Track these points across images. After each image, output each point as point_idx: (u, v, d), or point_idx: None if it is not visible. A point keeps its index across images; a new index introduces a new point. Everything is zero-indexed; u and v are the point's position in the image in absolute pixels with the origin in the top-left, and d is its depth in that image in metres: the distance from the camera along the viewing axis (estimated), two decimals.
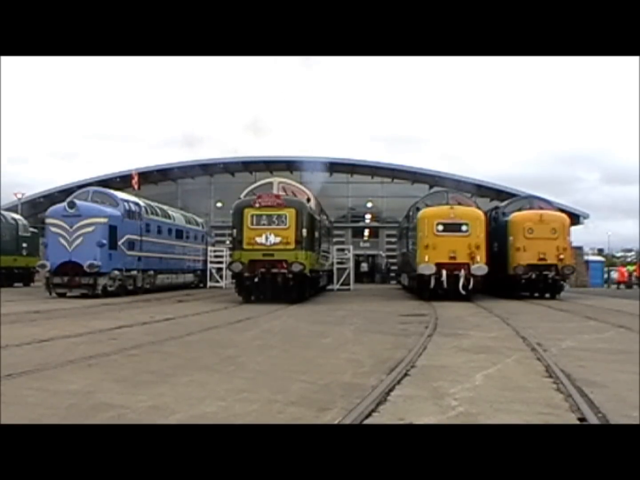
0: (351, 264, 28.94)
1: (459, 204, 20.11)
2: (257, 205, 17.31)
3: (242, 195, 19.12)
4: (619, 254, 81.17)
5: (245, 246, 17.21)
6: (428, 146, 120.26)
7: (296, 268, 16.80)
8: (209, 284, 28.92)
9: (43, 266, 19.72)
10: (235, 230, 17.57)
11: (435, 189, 30.08)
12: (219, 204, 39.58)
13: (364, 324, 11.67)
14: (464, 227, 18.77)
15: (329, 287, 27.32)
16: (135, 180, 30.64)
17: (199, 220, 30.65)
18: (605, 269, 42.36)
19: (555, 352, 7.48)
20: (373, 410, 4.37)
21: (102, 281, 19.37)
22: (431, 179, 36.84)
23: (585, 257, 41.51)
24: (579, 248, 37.08)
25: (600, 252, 67.46)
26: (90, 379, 5.53)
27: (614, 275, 39.83)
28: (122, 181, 34.07)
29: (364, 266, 39.48)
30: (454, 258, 18.45)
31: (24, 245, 29.05)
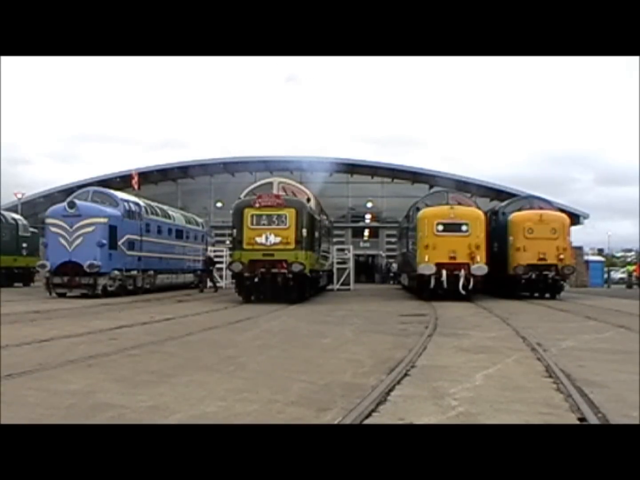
0: (351, 264, 28.90)
1: (459, 204, 20.11)
2: (257, 205, 17.30)
3: (242, 195, 19.11)
4: (619, 254, 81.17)
5: (245, 246, 17.20)
6: (427, 148, 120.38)
7: (296, 268, 16.80)
8: (209, 284, 28.87)
9: (43, 266, 19.71)
10: (235, 230, 17.56)
11: (435, 189, 30.07)
12: (219, 204, 39.59)
13: (364, 324, 11.67)
14: (464, 227, 18.76)
15: (329, 287, 27.30)
16: (135, 180, 30.58)
17: (199, 220, 30.61)
18: (605, 269, 42.34)
19: (555, 352, 7.48)
20: (373, 410, 4.37)
21: (102, 281, 19.37)
22: (431, 179, 36.83)
23: (585, 257, 41.50)
24: (579, 248, 37.08)
25: (600, 252, 67.46)
26: (90, 379, 5.53)
27: (614, 275, 39.57)
28: (122, 181, 34.06)
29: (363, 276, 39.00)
30: (454, 258, 18.45)
31: (24, 245, 29.02)
